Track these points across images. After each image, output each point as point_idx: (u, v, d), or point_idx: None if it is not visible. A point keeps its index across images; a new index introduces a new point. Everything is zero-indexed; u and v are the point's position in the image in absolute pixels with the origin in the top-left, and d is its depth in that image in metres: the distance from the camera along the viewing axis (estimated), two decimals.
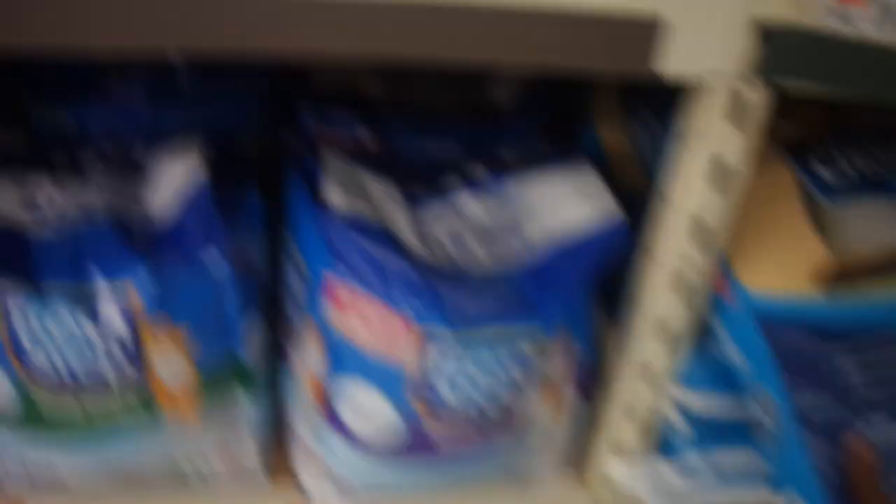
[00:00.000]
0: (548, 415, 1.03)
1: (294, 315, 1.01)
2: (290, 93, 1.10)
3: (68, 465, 0.99)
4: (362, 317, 0.90)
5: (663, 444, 1.08)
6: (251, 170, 1.01)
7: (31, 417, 0.95)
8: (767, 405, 0.86)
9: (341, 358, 0.94)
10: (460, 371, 0.90)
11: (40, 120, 1.02)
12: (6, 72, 1.00)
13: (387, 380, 0.93)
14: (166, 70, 1.06)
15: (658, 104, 1.01)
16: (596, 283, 0.98)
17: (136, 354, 0.91)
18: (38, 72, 1.03)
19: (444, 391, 0.91)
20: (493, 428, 0.97)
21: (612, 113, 1.13)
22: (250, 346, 0.99)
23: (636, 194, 1.00)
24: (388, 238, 0.91)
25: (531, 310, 0.93)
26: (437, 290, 0.90)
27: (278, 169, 1.05)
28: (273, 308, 1.04)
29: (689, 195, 0.85)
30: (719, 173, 0.81)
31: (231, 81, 1.08)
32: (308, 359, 0.96)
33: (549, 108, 1.14)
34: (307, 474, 1.05)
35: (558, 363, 0.98)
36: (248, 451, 1.05)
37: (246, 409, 1.01)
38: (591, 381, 1.08)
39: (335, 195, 0.89)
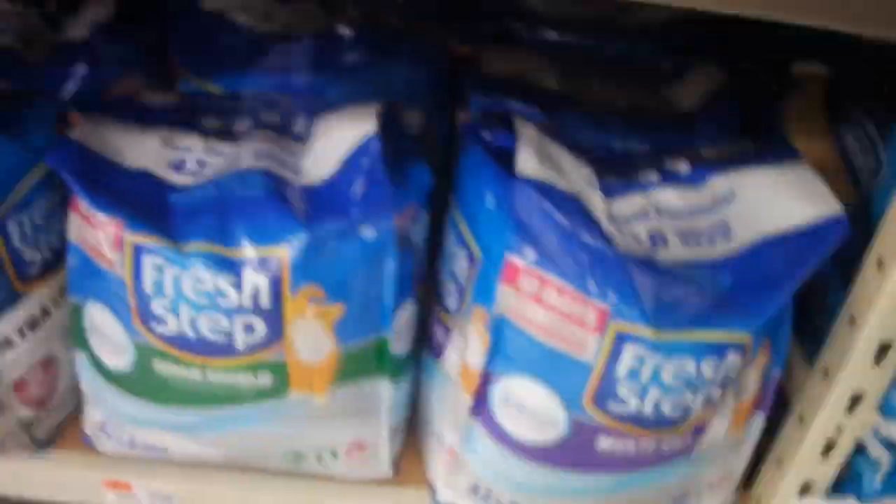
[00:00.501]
0: (732, 438, 0.87)
1: (451, 302, 0.89)
2: (457, 76, 1.02)
3: (182, 440, 0.91)
4: (546, 305, 0.77)
5: (855, 486, 0.91)
6: (418, 145, 0.91)
7: (150, 385, 0.86)
8: None
9: (511, 352, 0.82)
10: (653, 377, 0.75)
11: (198, 85, 1.00)
12: (161, 37, 1.01)
13: (564, 380, 0.81)
14: (332, 40, 1.01)
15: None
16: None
17: (276, 326, 0.81)
18: (195, 36, 1.02)
19: (630, 399, 0.76)
20: (672, 445, 0.81)
21: (812, 121, 0.97)
22: (400, 333, 0.88)
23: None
24: (585, 215, 0.79)
25: (738, 312, 0.80)
26: (637, 282, 0.77)
27: (444, 150, 0.96)
28: (425, 294, 0.92)
29: None
30: None
31: (399, 56, 1.02)
32: (466, 351, 0.81)
33: (735, 115, 1.02)
34: (443, 479, 0.94)
35: (754, 379, 0.82)
36: (381, 444, 0.93)
37: (385, 399, 0.90)
38: (776, 404, 0.93)
39: (529, 163, 0.78)
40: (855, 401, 0.86)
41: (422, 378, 0.94)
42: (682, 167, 0.87)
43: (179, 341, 0.81)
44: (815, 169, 0.85)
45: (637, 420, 0.80)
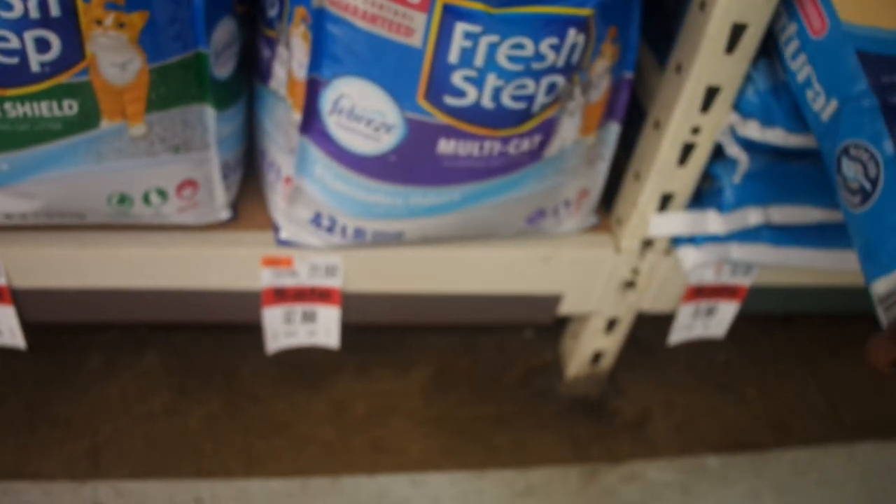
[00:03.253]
0: (586, 147, 0.81)
1: (272, 12, 0.82)
2: None
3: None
4: None
5: (715, 199, 0.89)
6: None
7: None
8: (859, 154, 0.65)
9: (335, 49, 0.75)
10: (489, 61, 0.68)
11: None
12: None
13: (394, 73, 0.75)
14: None
15: None
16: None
17: (73, 41, 0.72)
18: None
19: (467, 88, 0.70)
20: (518, 148, 0.75)
21: None
22: (219, 51, 0.80)
23: None
24: None
25: None
26: None
27: None
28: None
29: None
30: None
31: None
32: (291, 62, 0.73)
33: None
34: (283, 213, 0.87)
35: (603, 75, 0.76)
36: (213, 180, 0.86)
37: (211, 129, 0.82)
38: (631, 119, 0.89)
39: None
40: (710, 96, 0.82)
41: (255, 109, 0.86)
42: None
43: None
44: None
45: (477, 115, 0.74)
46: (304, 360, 1.03)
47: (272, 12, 0.79)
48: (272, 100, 0.82)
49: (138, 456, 0.95)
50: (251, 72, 0.87)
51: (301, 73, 0.75)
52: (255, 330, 0.97)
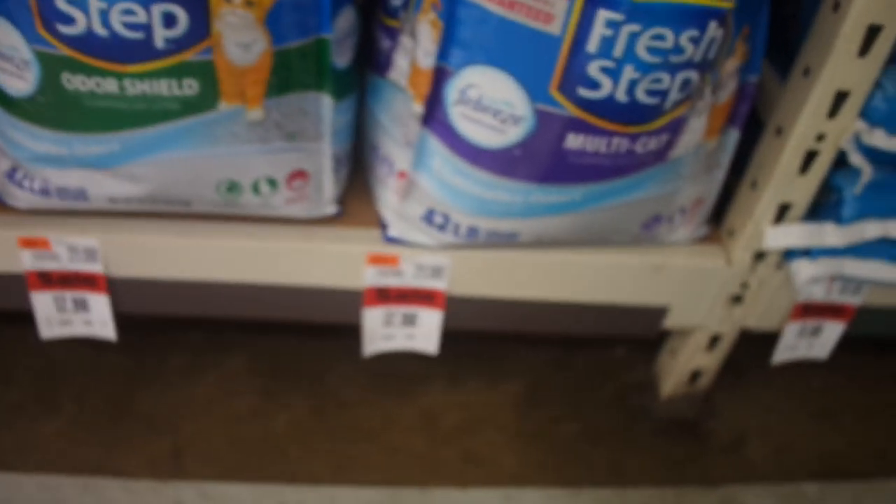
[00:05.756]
0: (707, 151, 0.78)
1: (392, 4, 0.81)
2: None
3: (101, 177, 0.80)
4: None
5: (833, 211, 0.87)
6: None
7: (61, 108, 0.74)
8: None
9: (467, 36, 0.72)
10: (628, 52, 0.65)
11: None
12: None
13: (527, 62, 0.72)
14: None
15: None
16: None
17: (200, 17, 0.70)
18: None
19: (602, 80, 0.67)
20: (646, 147, 0.72)
21: None
22: (341, 39, 0.78)
23: None
24: None
25: None
26: None
27: None
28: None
29: None
30: None
31: None
32: (416, 50, 0.71)
33: None
34: (394, 209, 0.85)
35: (732, 74, 0.74)
36: (323, 172, 0.84)
37: (326, 119, 0.80)
38: (748, 113, 0.86)
39: None
40: (838, 101, 0.78)
41: (368, 103, 0.83)
42: None
43: (89, 44, 0.69)
44: None
45: (609, 108, 0.71)
46: (393, 367, 1.00)
47: (396, 1, 0.76)
48: (390, 91, 0.79)
49: (222, 458, 0.92)
50: (363, 65, 0.82)
51: (426, 61, 0.73)
52: (343, 334, 0.96)
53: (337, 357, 1.01)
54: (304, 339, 1.04)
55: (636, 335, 0.95)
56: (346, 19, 0.75)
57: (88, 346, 0.96)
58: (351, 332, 0.92)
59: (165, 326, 1.02)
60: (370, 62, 0.83)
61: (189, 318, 0.92)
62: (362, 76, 0.84)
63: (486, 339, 1.03)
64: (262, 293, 0.86)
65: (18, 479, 0.90)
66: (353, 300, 0.86)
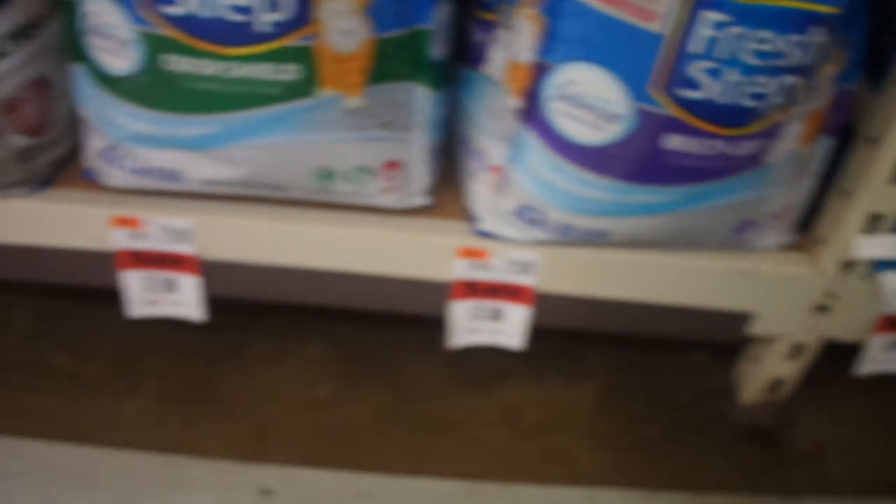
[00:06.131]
0: (801, 157, 0.78)
1: None
2: None
3: (198, 158, 0.82)
4: None
5: None
6: None
7: (161, 89, 0.77)
8: None
9: (569, 32, 0.73)
10: (730, 53, 0.65)
11: None
12: None
13: (629, 60, 0.73)
14: None
15: None
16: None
17: (305, 2, 0.72)
18: None
19: (704, 81, 0.67)
20: (742, 149, 0.71)
21: None
22: (439, 31, 0.79)
23: None
24: None
25: None
26: None
27: None
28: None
29: None
30: None
31: None
32: (514, 45, 0.71)
33: None
34: (486, 204, 0.86)
35: (829, 80, 0.73)
36: (417, 163, 0.85)
37: (421, 109, 0.81)
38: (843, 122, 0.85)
39: None
40: None
41: (460, 97, 0.84)
42: None
43: (192, 24, 0.71)
44: None
45: (708, 110, 0.72)
46: (473, 361, 1.01)
47: None
48: (484, 85, 0.80)
49: (303, 443, 0.93)
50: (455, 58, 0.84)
51: (525, 56, 0.74)
52: (423, 325, 0.97)
53: (416, 348, 1.02)
54: (382, 328, 1.05)
55: (719, 340, 0.94)
56: (444, 11, 0.76)
57: (168, 326, 0.97)
58: (429, 324, 0.93)
59: (245, 310, 1.04)
60: (462, 55, 0.83)
61: (268, 302, 0.93)
62: (454, 68, 0.83)
63: (565, 337, 1.02)
64: (349, 281, 0.88)
65: (101, 453, 0.92)
66: (438, 292, 0.86)
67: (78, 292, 0.99)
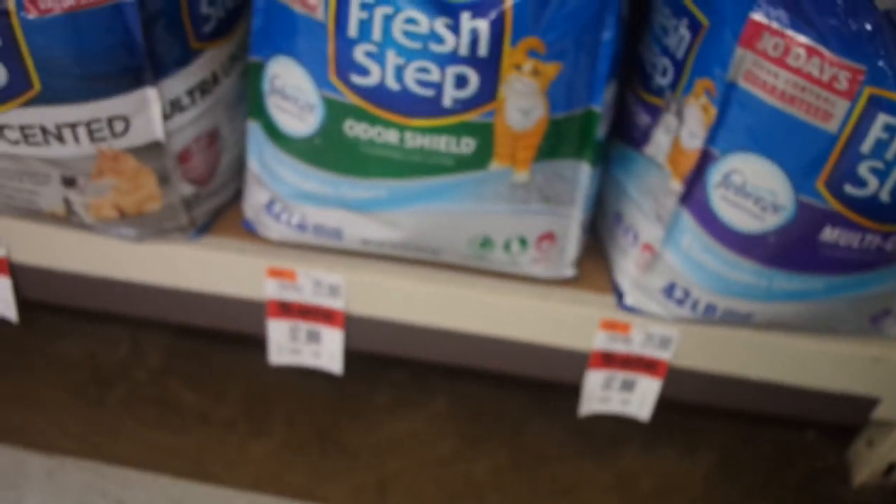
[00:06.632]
0: None
1: (661, 80, 0.84)
2: None
3: (361, 219, 0.85)
4: (790, 68, 0.70)
5: None
6: None
7: (337, 152, 0.81)
8: None
9: (739, 125, 0.75)
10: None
11: None
12: None
13: (798, 155, 0.75)
14: None
15: None
16: None
17: (490, 80, 0.75)
18: None
19: (870, 180, 0.70)
20: (892, 243, 0.74)
21: None
22: (606, 111, 0.81)
23: None
24: None
25: None
26: None
27: None
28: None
29: None
30: None
31: None
32: (681, 130, 0.74)
33: None
34: (633, 279, 0.89)
35: None
36: (570, 236, 0.88)
37: (582, 185, 0.84)
38: None
39: None
40: None
41: (613, 172, 0.87)
42: None
43: (380, 95, 0.74)
44: None
45: (870, 207, 0.74)
46: (589, 427, 1.03)
47: (662, 80, 0.80)
48: (644, 165, 0.83)
49: (426, 497, 0.95)
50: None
51: (692, 143, 0.76)
52: (546, 389, 1.00)
53: (535, 410, 1.04)
54: (506, 389, 1.08)
55: (843, 421, 0.96)
56: (611, 92, 0.79)
57: (297, 374, 1.02)
58: (549, 387, 0.96)
59: (371, 362, 1.05)
60: (621, 134, 0.86)
61: (394, 356, 0.96)
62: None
63: (680, 408, 1.04)
64: (486, 344, 0.90)
65: (228, 493, 0.95)
66: (571, 360, 0.90)
67: (210, 334, 1.01)
